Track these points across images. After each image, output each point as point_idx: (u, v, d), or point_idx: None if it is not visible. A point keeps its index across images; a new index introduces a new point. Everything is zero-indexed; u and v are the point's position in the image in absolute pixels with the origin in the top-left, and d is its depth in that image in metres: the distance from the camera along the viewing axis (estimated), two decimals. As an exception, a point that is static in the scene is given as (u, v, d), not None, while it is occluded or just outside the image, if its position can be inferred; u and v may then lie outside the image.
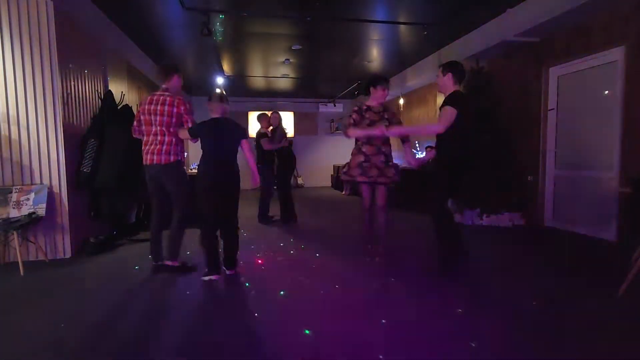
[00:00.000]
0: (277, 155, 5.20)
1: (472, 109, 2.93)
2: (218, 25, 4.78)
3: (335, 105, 10.68)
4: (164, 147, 2.89)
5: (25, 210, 3.28)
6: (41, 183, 3.44)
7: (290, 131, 10.44)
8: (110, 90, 4.33)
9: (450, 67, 2.85)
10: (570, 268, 3.10)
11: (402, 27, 5.11)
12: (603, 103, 3.96)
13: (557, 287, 2.67)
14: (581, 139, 4.25)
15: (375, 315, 2.22)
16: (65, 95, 3.55)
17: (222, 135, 2.84)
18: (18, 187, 3.35)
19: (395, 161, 3.38)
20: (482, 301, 2.44)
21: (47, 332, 2.07)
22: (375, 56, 6.66)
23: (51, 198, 3.44)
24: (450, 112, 2.70)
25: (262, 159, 5.11)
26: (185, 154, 2.98)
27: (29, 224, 3.23)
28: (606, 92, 3.91)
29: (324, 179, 11.09)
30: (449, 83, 2.85)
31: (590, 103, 4.13)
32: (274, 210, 5.41)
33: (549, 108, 4.64)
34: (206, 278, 2.82)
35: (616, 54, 3.76)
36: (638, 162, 3.52)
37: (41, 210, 3.31)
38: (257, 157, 5.03)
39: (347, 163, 3.43)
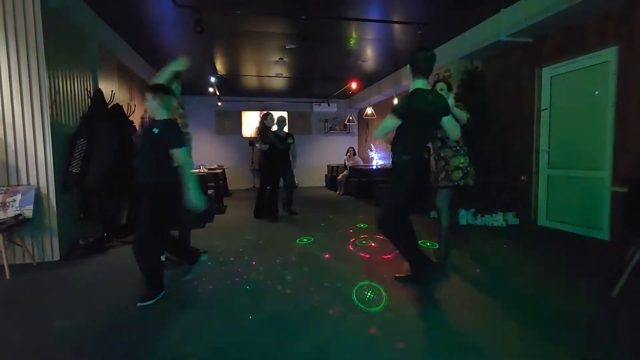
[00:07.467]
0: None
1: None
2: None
3: (329, 105, 10.64)
4: None
5: (11, 212, 3.19)
6: (28, 184, 3.35)
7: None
8: (100, 89, 4.25)
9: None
10: (564, 267, 3.10)
11: (397, 26, 5.09)
12: (596, 103, 3.98)
13: (550, 286, 2.67)
14: (574, 138, 4.28)
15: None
16: (53, 94, 3.46)
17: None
18: (4, 188, 3.26)
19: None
20: (477, 299, 2.43)
21: (34, 337, 2.00)
22: (369, 55, 6.64)
23: (39, 199, 3.35)
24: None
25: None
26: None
27: (15, 226, 3.14)
28: (597, 92, 3.93)
29: (318, 179, 11.04)
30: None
31: (583, 103, 4.15)
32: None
33: (542, 108, 4.66)
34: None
35: (609, 55, 3.79)
36: (630, 162, 3.54)
37: (28, 211, 3.22)
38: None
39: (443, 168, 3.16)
